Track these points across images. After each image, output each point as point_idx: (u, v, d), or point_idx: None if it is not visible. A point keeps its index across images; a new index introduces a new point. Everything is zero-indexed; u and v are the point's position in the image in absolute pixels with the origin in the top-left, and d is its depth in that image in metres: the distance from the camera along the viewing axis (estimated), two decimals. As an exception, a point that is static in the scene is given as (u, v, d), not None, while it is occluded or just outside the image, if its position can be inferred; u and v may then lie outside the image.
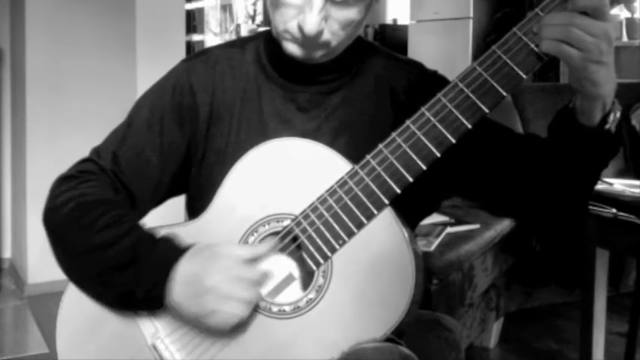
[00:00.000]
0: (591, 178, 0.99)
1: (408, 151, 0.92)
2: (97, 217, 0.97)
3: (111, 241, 0.96)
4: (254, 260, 0.94)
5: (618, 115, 0.92)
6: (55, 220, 1.01)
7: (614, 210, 1.73)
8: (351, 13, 0.96)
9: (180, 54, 3.24)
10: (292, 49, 0.99)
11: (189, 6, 6.17)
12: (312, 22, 0.93)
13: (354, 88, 1.07)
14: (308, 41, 0.96)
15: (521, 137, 1.06)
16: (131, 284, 0.94)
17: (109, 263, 0.95)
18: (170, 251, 0.95)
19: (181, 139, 1.07)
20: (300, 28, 0.95)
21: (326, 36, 0.97)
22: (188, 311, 0.93)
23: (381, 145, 0.93)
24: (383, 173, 0.92)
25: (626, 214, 1.71)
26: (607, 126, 0.91)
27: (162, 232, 0.98)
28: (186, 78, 1.08)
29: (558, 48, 0.85)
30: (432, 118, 0.91)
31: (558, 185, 0.98)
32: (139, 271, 0.94)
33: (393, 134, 0.93)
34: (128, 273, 0.94)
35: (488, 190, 1.06)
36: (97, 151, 1.08)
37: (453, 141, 0.91)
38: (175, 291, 0.93)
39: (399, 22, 5.56)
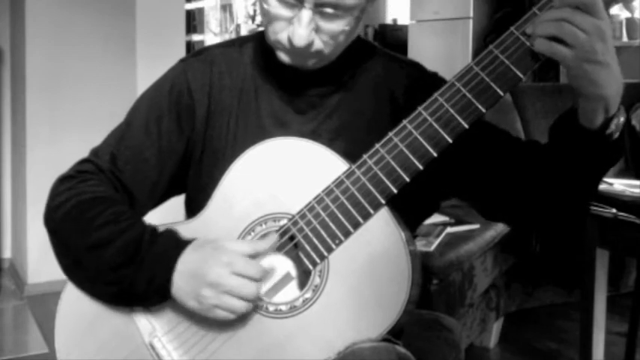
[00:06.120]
0: (588, 186, 0.96)
1: (405, 150, 0.92)
2: (96, 214, 0.98)
3: (111, 237, 0.96)
4: (255, 256, 0.94)
5: (622, 120, 0.89)
6: (56, 220, 1.01)
7: (614, 210, 1.72)
8: (341, 25, 0.96)
9: (180, 54, 3.23)
10: (284, 58, 1.00)
11: (189, 6, 6.18)
12: (300, 35, 0.94)
13: (352, 89, 1.07)
14: (299, 51, 0.97)
15: (520, 142, 1.04)
16: (133, 278, 0.94)
17: (110, 259, 0.95)
18: (172, 244, 0.95)
19: (179, 139, 1.07)
20: (290, 40, 0.96)
21: (317, 46, 0.97)
22: (189, 304, 0.93)
23: (377, 145, 0.93)
24: (379, 173, 0.92)
25: (626, 214, 1.70)
26: (608, 130, 0.88)
27: (162, 228, 0.98)
28: (184, 78, 1.08)
29: (550, 46, 0.83)
30: (428, 118, 0.91)
31: (554, 192, 0.96)
32: (141, 265, 0.94)
33: (390, 134, 0.93)
34: (130, 267, 0.94)
35: (483, 193, 1.04)
36: (95, 152, 1.08)
37: (450, 141, 0.91)
38: (177, 284, 0.93)
39: (399, 22, 5.56)
